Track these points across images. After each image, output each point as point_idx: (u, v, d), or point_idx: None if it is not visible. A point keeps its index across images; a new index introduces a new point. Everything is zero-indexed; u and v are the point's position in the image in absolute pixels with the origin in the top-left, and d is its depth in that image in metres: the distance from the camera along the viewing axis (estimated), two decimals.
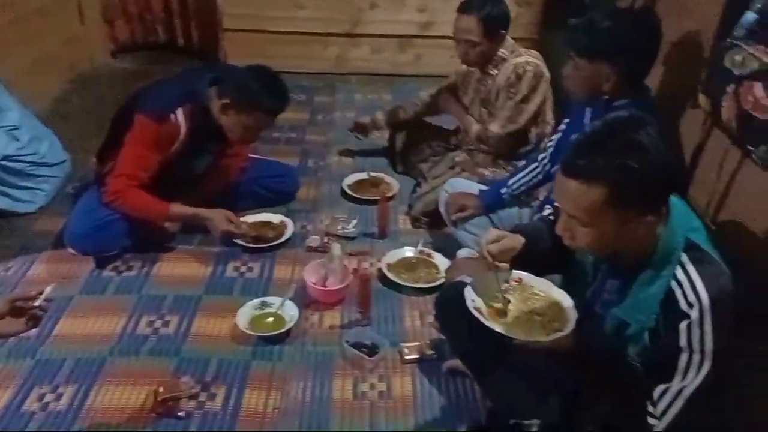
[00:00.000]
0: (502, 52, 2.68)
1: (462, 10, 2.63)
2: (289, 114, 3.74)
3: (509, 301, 1.51)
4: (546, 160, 2.32)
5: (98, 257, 2.45)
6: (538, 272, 1.68)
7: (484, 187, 2.49)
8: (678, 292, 1.27)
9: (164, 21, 4.44)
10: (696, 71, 1.81)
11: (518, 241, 1.56)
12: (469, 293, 1.49)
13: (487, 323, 1.41)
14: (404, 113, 3.21)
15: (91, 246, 2.41)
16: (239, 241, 2.55)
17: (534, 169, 2.36)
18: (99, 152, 2.55)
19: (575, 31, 1.95)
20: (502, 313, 1.49)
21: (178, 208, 2.43)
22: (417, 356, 2.08)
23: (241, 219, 2.65)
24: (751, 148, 1.40)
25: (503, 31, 2.64)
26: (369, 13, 4.21)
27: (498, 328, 1.40)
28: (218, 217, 2.44)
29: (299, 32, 4.23)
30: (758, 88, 1.36)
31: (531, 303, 1.51)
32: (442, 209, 2.59)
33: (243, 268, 2.48)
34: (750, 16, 1.44)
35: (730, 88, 1.45)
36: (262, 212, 2.75)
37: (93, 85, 3.98)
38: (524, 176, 2.29)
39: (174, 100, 2.34)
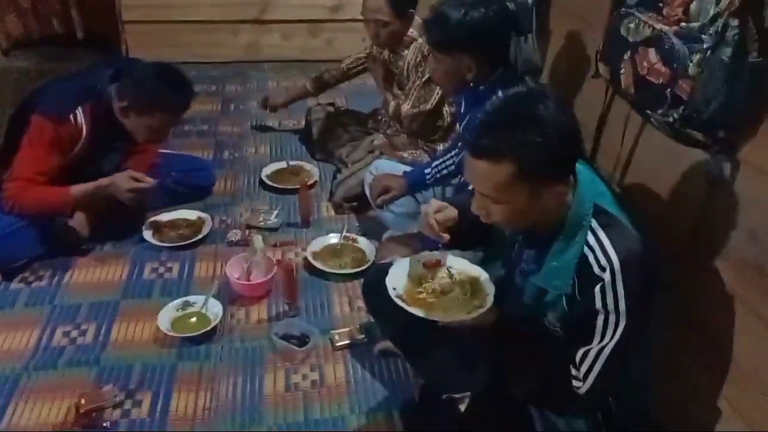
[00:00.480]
0: (411, 31, 2.68)
1: None
2: (199, 105, 3.68)
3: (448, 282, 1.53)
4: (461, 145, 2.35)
5: (4, 269, 2.31)
6: (467, 246, 1.72)
7: (408, 168, 2.50)
8: (591, 257, 1.31)
9: (60, 13, 4.20)
10: (596, 42, 1.87)
11: (455, 212, 1.57)
12: (390, 281, 1.50)
13: (409, 309, 1.43)
14: (329, 76, 3.20)
15: None
16: (154, 241, 2.46)
17: (456, 153, 2.38)
18: None
19: (430, 28, 1.99)
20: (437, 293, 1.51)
21: (78, 188, 2.29)
22: (348, 342, 2.07)
23: (156, 218, 2.57)
24: (649, 112, 1.46)
25: (412, 10, 2.65)
26: None
27: (419, 313, 1.42)
28: (120, 178, 2.30)
29: (206, 20, 4.10)
30: (651, 53, 1.40)
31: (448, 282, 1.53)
32: (367, 191, 2.59)
33: (161, 269, 2.39)
34: None
35: (627, 56, 1.50)
36: (178, 209, 2.66)
37: None
38: (447, 159, 2.31)
39: (73, 99, 2.22)
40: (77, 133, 2.23)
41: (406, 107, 2.70)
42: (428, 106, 2.69)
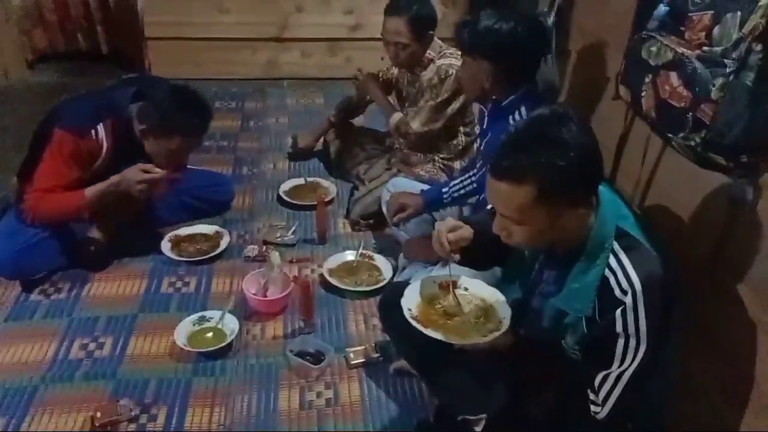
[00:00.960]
0: (429, 53, 2.70)
1: (389, 12, 2.64)
2: (220, 122, 3.74)
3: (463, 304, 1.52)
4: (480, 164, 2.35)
5: (25, 281, 2.33)
6: (480, 264, 1.71)
7: (425, 186, 2.50)
8: (612, 280, 1.30)
9: (85, 28, 4.27)
10: (616, 63, 1.87)
11: (469, 231, 1.57)
12: (405, 302, 1.50)
13: (425, 331, 1.42)
14: (349, 102, 3.21)
15: (18, 270, 2.30)
16: (172, 255, 2.47)
17: (474, 173, 2.38)
18: (20, 170, 2.42)
19: (461, 29, 2.01)
20: (450, 314, 1.50)
21: (92, 189, 2.28)
22: (363, 360, 2.07)
23: (175, 233, 2.59)
24: (670, 135, 1.45)
25: (431, 32, 2.67)
26: (296, 16, 4.17)
27: (435, 335, 1.41)
28: (130, 171, 2.27)
29: (226, 38, 4.15)
30: (673, 77, 1.40)
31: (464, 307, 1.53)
32: (384, 208, 2.59)
33: (179, 283, 2.41)
34: (662, 9, 1.50)
35: (648, 79, 1.50)
36: (197, 224, 2.68)
37: (9, 99, 3.79)
38: (465, 180, 2.30)
39: (95, 115, 2.25)
40: (98, 148, 2.26)
41: (415, 125, 2.72)
42: (437, 126, 2.71)
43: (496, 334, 1.41)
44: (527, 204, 1.25)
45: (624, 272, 1.29)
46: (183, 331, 2.10)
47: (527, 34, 1.93)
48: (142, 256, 2.52)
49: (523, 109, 1.99)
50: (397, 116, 2.82)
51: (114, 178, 2.29)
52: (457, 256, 1.53)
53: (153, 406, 1.89)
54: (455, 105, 2.69)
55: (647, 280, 1.27)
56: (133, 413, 1.85)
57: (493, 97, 2.07)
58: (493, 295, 1.55)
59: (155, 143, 2.28)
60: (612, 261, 1.31)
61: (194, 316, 2.16)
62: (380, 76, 3.06)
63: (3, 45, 3.95)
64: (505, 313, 1.47)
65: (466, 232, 1.55)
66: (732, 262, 1.52)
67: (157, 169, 2.30)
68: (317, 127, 3.36)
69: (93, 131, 2.23)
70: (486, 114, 2.17)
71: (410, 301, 1.51)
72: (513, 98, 2.01)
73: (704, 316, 1.61)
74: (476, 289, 1.57)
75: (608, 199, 1.36)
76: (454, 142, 2.82)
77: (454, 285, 1.56)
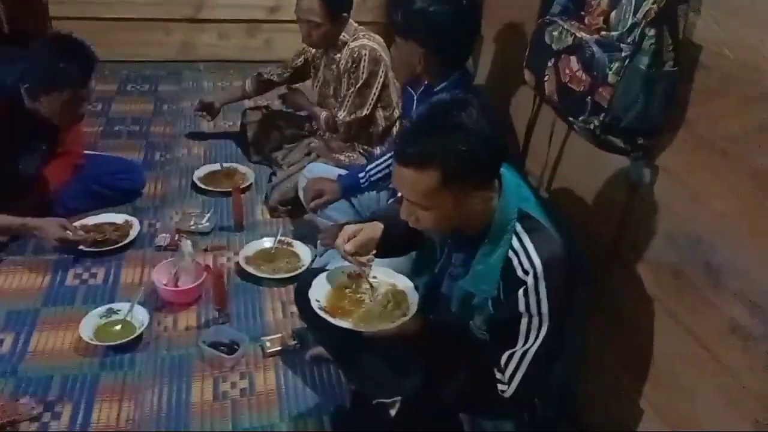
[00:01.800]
0: (344, 35, 2.67)
1: None
2: (131, 105, 3.60)
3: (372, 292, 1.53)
4: None
5: None
6: (398, 253, 1.73)
7: (343, 172, 2.48)
8: (515, 261, 1.33)
9: None
10: (524, 47, 1.90)
11: (377, 229, 1.58)
12: (313, 293, 1.50)
13: (333, 321, 1.43)
14: (269, 77, 3.13)
15: None
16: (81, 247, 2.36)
17: (390, 157, 2.37)
18: None
19: (394, 10, 1.99)
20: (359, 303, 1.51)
21: (3, 220, 2.21)
22: (279, 348, 2.04)
23: (82, 222, 2.46)
24: (572, 119, 1.48)
25: (345, 14, 2.64)
26: None
27: (344, 324, 1.42)
28: (49, 225, 2.24)
29: (138, 18, 3.97)
30: (573, 61, 1.43)
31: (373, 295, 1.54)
32: (301, 195, 2.55)
33: (85, 275, 2.30)
34: None
35: (551, 63, 1.52)
36: (105, 212, 2.56)
37: None
38: (381, 163, 2.30)
39: None
40: None
41: (341, 114, 2.69)
42: (363, 112, 2.69)
43: (404, 319, 1.42)
44: (432, 189, 1.26)
45: (526, 253, 1.31)
46: (89, 324, 2.01)
47: (462, 17, 1.91)
48: (46, 246, 2.38)
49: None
50: (323, 114, 2.80)
51: (30, 223, 2.24)
52: (369, 257, 1.55)
53: (57, 403, 1.80)
54: (375, 89, 2.67)
55: (548, 261, 1.30)
56: (35, 411, 1.76)
57: (425, 81, 2.05)
58: (402, 282, 1.56)
59: (48, 101, 2.16)
60: (515, 242, 1.33)
61: (101, 309, 2.07)
62: (295, 59, 3.02)
63: None
64: (413, 299, 1.49)
65: (370, 232, 1.56)
66: (632, 242, 1.58)
67: (80, 232, 2.31)
68: (229, 90, 3.33)
69: None
70: (414, 98, 2.16)
71: (318, 292, 1.51)
72: (445, 83, 1.98)
73: (608, 295, 1.67)
74: (384, 276, 1.58)
75: (511, 182, 1.38)
76: (373, 126, 2.81)
77: (362, 276, 1.56)
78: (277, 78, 3.12)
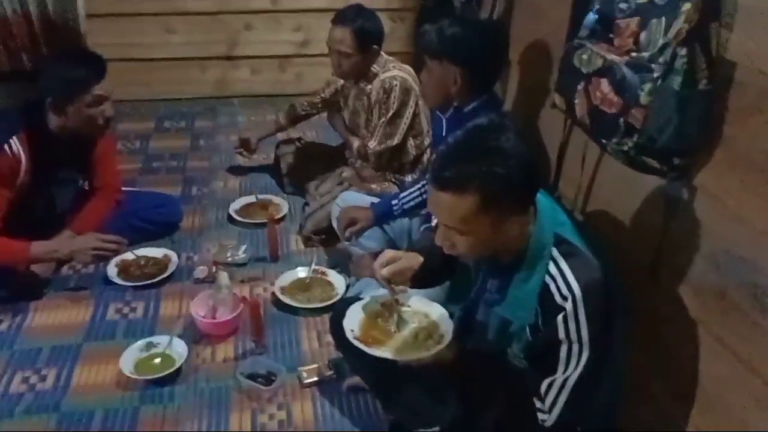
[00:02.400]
0: (375, 67, 2.71)
1: (336, 21, 2.67)
2: (169, 141, 3.69)
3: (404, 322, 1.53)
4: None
5: None
6: (432, 284, 1.73)
7: (375, 200, 2.49)
8: (552, 286, 1.31)
9: (30, 49, 4.15)
10: (554, 73, 1.90)
11: (415, 260, 1.57)
12: (347, 322, 1.51)
13: (369, 351, 1.42)
14: (302, 108, 3.19)
15: None
16: (118, 280, 2.42)
17: (424, 185, 2.38)
18: None
19: (426, 35, 2.03)
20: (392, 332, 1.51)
21: (39, 247, 2.26)
22: (316, 378, 2.03)
23: (121, 257, 2.52)
24: (604, 141, 1.47)
25: (376, 46, 2.68)
26: (245, 34, 4.13)
27: (379, 354, 1.42)
28: (82, 239, 2.30)
29: (174, 58, 4.09)
30: (604, 83, 1.42)
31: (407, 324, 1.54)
32: (334, 224, 2.57)
33: (126, 309, 2.34)
34: (591, 17, 1.52)
35: (581, 86, 1.51)
36: (144, 247, 2.62)
37: None
38: (414, 191, 2.30)
39: (5, 130, 2.19)
40: (16, 163, 2.20)
41: (372, 144, 2.72)
42: (395, 142, 2.71)
43: (440, 347, 1.41)
44: (470, 213, 1.25)
45: (564, 278, 1.29)
46: (129, 358, 2.04)
47: (493, 38, 2.00)
48: (88, 282, 2.44)
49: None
50: (356, 143, 2.83)
51: (65, 245, 2.30)
52: (402, 288, 1.55)
53: None
54: (407, 118, 2.69)
55: (587, 286, 1.28)
56: None
57: (455, 104, 2.07)
58: (436, 310, 1.55)
59: (74, 111, 2.21)
60: (552, 267, 1.31)
61: (141, 343, 2.10)
62: (324, 89, 3.07)
63: None
64: (446, 327, 1.48)
65: (407, 262, 1.56)
66: (672, 264, 1.54)
67: (113, 239, 2.36)
68: (264, 126, 3.38)
69: (7, 147, 2.17)
70: (444, 122, 2.17)
71: (352, 322, 1.52)
72: (475, 105, 2.02)
73: (649, 319, 1.62)
74: (419, 305, 1.57)
75: (546, 207, 1.37)
76: (405, 155, 2.82)
77: (397, 303, 1.55)
78: (309, 109, 3.18)
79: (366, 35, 2.63)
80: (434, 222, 2.19)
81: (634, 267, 1.64)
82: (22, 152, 2.19)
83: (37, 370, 2.05)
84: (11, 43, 4.10)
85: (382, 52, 2.74)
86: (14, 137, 2.18)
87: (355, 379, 1.97)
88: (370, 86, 2.73)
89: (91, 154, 2.46)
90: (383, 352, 1.42)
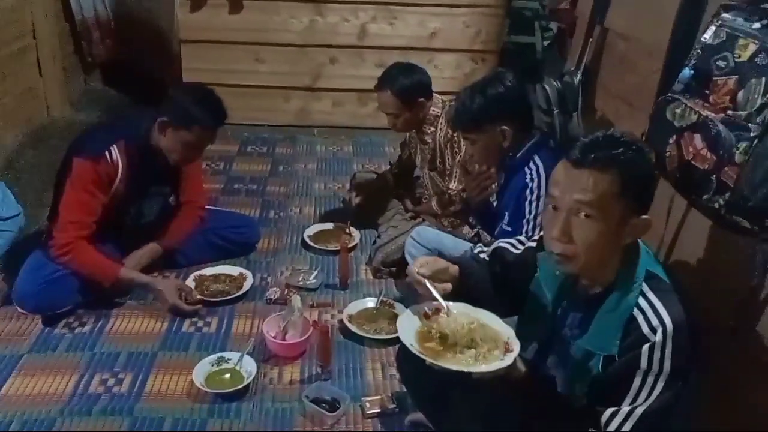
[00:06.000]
0: (434, 109, 2.76)
1: (377, 87, 2.76)
2: (249, 165, 3.83)
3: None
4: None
5: (48, 315, 2.37)
6: (478, 304, 1.63)
7: (450, 237, 2.49)
8: (640, 318, 1.31)
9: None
10: (639, 123, 1.89)
11: (452, 266, 1.56)
12: (405, 337, 1.42)
13: (438, 363, 1.35)
14: (393, 172, 3.26)
15: (40, 304, 2.34)
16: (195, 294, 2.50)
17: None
18: (50, 209, 2.49)
19: (456, 117, 2.16)
20: (443, 343, 1.41)
21: (128, 273, 2.39)
22: (378, 410, 2.04)
23: (200, 272, 2.62)
24: (694, 196, 1.46)
25: (421, 99, 2.73)
26: (329, 67, 4.28)
27: (451, 366, 1.34)
28: (168, 288, 2.41)
29: (261, 86, 4.27)
30: (697, 139, 1.42)
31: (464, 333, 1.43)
32: (408, 259, 2.58)
33: (200, 323, 2.43)
34: (687, 72, 1.52)
35: (672, 140, 1.51)
36: (222, 264, 2.72)
37: (49, 137, 3.92)
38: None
39: (108, 139, 2.33)
40: (114, 169, 2.33)
41: (453, 185, 2.74)
42: None
43: (513, 355, 1.36)
44: (609, 192, 1.28)
45: (654, 311, 1.30)
46: (201, 371, 2.11)
47: (512, 87, 2.09)
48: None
49: (536, 158, 2.08)
50: (432, 201, 2.87)
51: (152, 283, 2.42)
52: (446, 285, 1.51)
53: None
54: None
55: (677, 320, 1.29)
56: None
57: (509, 153, 2.13)
58: (486, 316, 1.47)
59: (173, 135, 2.32)
60: (641, 301, 1.33)
61: (213, 357, 2.17)
62: (401, 149, 3.15)
63: (47, 83, 4.11)
64: (508, 333, 1.42)
65: (440, 264, 1.54)
66: (755, 324, 1.49)
67: (194, 295, 2.47)
68: (374, 181, 3.31)
69: (107, 153, 2.30)
70: (502, 171, 2.20)
71: (408, 336, 1.43)
72: (529, 145, 2.09)
73: (726, 373, 1.57)
74: (464, 310, 1.48)
75: (644, 247, 1.40)
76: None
77: (437, 311, 1.48)
78: (396, 172, 3.25)
79: (408, 92, 2.69)
80: (477, 250, 2.15)
81: (714, 323, 1.60)
82: (119, 160, 2.33)
83: (114, 374, 2.15)
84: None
85: (435, 94, 2.79)
86: (114, 146, 2.32)
87: (418, 416, 1.96)
88: (432, 128, 2.79)
89: (181, 170, 2.59)
90: (455, 365, 1.34)
